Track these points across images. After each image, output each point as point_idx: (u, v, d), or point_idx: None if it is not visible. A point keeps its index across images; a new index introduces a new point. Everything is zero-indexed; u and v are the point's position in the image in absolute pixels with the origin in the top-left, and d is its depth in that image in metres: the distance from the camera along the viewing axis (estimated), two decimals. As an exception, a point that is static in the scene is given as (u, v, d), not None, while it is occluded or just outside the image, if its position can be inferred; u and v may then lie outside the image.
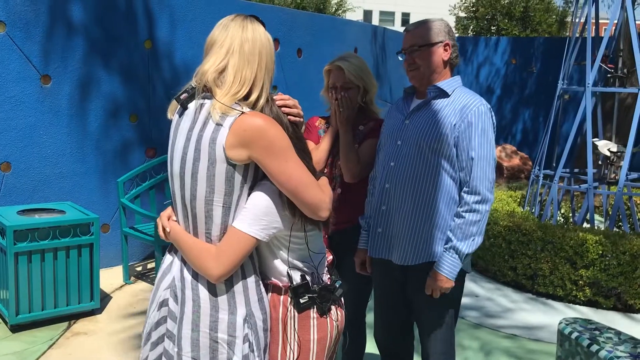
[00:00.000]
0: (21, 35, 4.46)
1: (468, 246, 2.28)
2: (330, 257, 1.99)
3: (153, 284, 4.41)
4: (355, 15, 41.62)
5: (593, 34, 5.52)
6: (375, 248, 2.51)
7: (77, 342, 3.77)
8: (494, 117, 2.39)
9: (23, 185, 4.58)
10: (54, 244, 3.91)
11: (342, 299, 1.96)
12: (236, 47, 1.78)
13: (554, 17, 20.44)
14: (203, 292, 1.73)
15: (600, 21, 6.03)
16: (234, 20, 1.83)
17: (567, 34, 19.37)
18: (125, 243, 4.85)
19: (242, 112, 1.70)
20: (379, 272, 2.55)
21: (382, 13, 51.53)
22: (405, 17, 51.88)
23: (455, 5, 22.98)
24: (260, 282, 1.83)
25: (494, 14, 20.11)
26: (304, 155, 1.83)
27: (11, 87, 4.46)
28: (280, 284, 1.83)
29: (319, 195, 1.77)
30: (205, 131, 1.71)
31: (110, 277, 4.91)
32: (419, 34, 2.40)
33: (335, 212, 2.64)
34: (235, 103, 1.72)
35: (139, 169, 4.96)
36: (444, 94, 2.38)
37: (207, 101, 1.76)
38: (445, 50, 2.40)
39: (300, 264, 1.84)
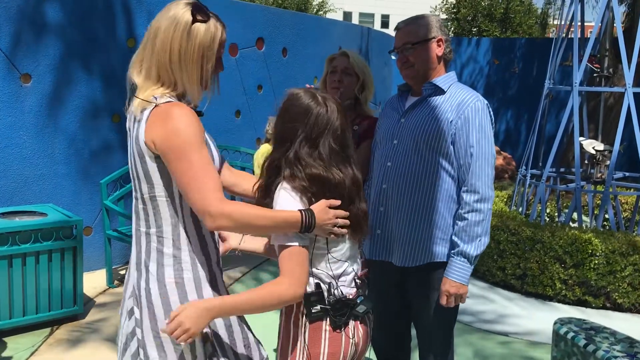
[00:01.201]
0: (0, 33, 4.33)
1: (475, 248, 2.23)
2: (363, 270, 1.87)
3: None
4: (335, 17, 41.61)
5: (579, 35, 5.54)
6: (374, 250, 2.45)
7: (60, 349, 3.65)
8: (491, 114, 2.34)
9: (2, 188, 4.45)
10: (36, 247, 3.79)
11: (369, 316, 1.84)
12: (152, 35, 1.68)
13: (533, 19, 20.63)
14: (155, 298, 1.68)
15: (585, 24, 6.06)
16: (168, 5, 1.71)
17: (547, 35, 19.57)
18: (108, 246, 4.73)
19: (156, 105, 1.63)
20: (377, 275, 2.49)
21: (361, 15, 51.58)
22: (385, 18, 51.99)
23: (436, 7, 23.09)
24: (218, 275, 1.75)
25: (475, 14, 20.24)
26: (346, 164, 1.76)
27: (-10, 86, 4.32)
28: None
29: (205, 203, 1.58)
30: (134, 129, 1.67)
31: (93, 281, 4.79)
32: (411, 31, 2.35)
33: None
34: (154, 96, 1.65)
35: (123, 170, 4.84)
36: (439, 91, 2.34)
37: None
38: (439, 45, 2.36)
39: (318, 271, 1.74)
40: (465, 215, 2.23)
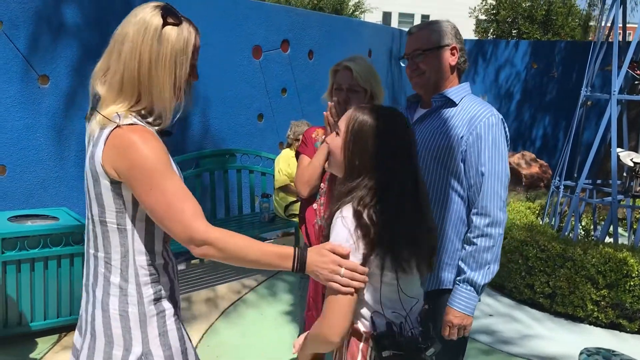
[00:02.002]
0: (19, 34, 4.29)
1: (483, 276, 2.04)
2: (424, 306, 1.72)
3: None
4: (374, 17, 41.33)
5: (620, 39, 5.22)
6: None
7: (67, 357, 3.58)
8: (506, 129, 2.14)
9: (18, 190, 4.41)
10: (45, 252, 3.72)
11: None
12: (118, 42, 1.53)
13: (576, 20, 19.98)
14: (98, 326, 1.57)
15: (627, 25, 5.72)
16: (134, 10, 1.57)
17: (590, 38, 18.94)
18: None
19: (118, 125, 1.48)
20: None
21: (401, 15, 51.13)
22: (425, 18, 51.44)
23: (475, 8, 22.61)
24: (170, 311, 1.61)
25: (515, 16, 19.71)
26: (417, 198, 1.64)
27: (7, 87, 4.29)
28: (362, 329, 1.58)
29: (187, 232, 1.46)
30: (91, 145, 1.54)
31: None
32: (423, 37, 2.19)
33: None
34: (116, 114, 1.50)
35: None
36: (451, 103, 2.15)
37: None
38: (452, 54, 2.19)
39: (387, 309, 1.58)
40: (474, 240, 2.04)
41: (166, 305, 1.62)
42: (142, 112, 1.55)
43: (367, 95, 2.52)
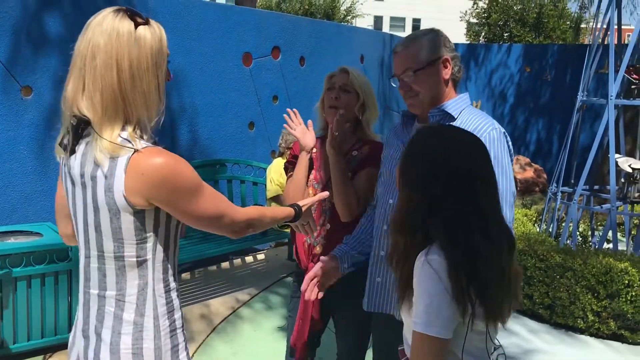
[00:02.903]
0: (0, 44, 4.16)
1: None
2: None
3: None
4: (366, 22, 41.35)
5: (615, 42, 5.14)
6: (375, 301, 2.13)
7: (51, 380, 3.44)
8: (509, 142, 2.01)
9: (1, 205, 4.27)
10: (28, 271, 3.58)
11: None
12: (88, 58, 1.42)
13: (567, 23, 20.01)
14: None
15: (622, 27, 5.65)
16: (95, 19, 1.45)
17: (582, 40, 18.95)
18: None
19: (135, 150, 1.40)
20: (380, 329, 2.17)
21: (392, 19, 51.23)
22: (417, 22, 51.53)
23: (466, 12, 22.62)
24: (182, 344, 1.57)
25: (506, 20, 19.72)
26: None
27: (-12, 100, 4.15)
28: None
29: (234, 221, 1.59)
30: (98, 178, 1.42)
31: (95, 303, 4.58)
32: (411, 55, 2.02)
33: (324, 254, 2.30)
34: (122, 138, 1.41)
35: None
36: (449, 117, 2.00)
37: (90, 139, 1.44)
38: (445, 66, 2.03)
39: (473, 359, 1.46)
40: None
41: (180, 338, 1.57)
42: (136, 130, 1.45)
43: (359, 101, 2.41)
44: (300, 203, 1.97)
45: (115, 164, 1.40)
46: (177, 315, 1.56)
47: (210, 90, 5.53)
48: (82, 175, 1.46)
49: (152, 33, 1.45)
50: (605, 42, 5.50)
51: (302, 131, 2.50)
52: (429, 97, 2.02)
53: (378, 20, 50.41)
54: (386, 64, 8.60)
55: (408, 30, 50.36)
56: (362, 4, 24.83)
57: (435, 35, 2.06)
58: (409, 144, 1.56)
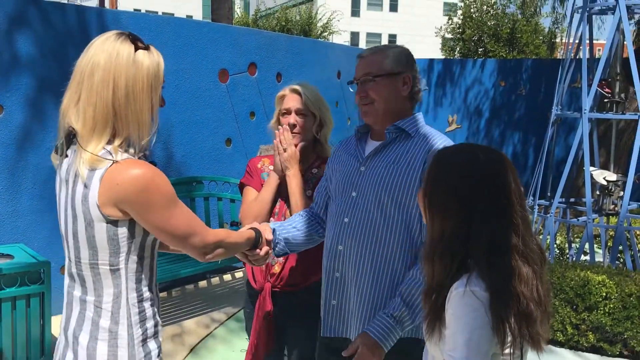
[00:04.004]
0: (-32, 62, 4.08)
1: (412, 317, 1.83)
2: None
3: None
4: (342, 38, 41.67)
5: (588, 56, 5.23)
6: (330, 325, 2.05)
7: (22, 407, 3.33)
8: None
9: (-30, 226, 4.16)
10: (-2, 294, 3.48)
11: None
12: (87, 74, 1.50)
13: (541, 38, 20.36)
14: None
15: (594, 42, 5.75)
16: (98, 40, 1.55)
17: (555, 55, 19.30)
18: (84, 287, 4.41)
19: (114, 161, 1.46)
20: (327, 356, 2.09)
21: (369, 34, 51.74)
22: (392, 38, 52.11)
23: (441, 27, 22.91)
24: (156, 352, 1.64)
25: (480, 35, 20.00)
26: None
27: (-43, 119, 4.06)
28: None
29: (204, 242, 1.62)
30: (77, 186, 1.49)
31: (68, 325, 4.46)
32: (375, 62, 2.01)
33: (283, 272, 2.27)
34: (105, 150, 1.48)
35: (101, 206, 4.55)
36: (405, 135, 1.98)
37: (75, 147, 1.51)
38: (405, 83, 2.01)
39: None
40: (419, 274, 1.82)
41: (152, 346, 1.62)
42: (122, 145, 1.51)
43: (317, 121, 2.39)
44: (260, 228, 1.96)
45: (93, 174, 1.46)
46: (150, 324, 1.60)
47: (186, 107, 5.48)
48: (66, 180, 1.55)
49: (150, 58, 1.53)
50: (578, 57, 5.60)
51: (291, 153, 2.31)
52: (384, 108, 2.00)
53: (355, 36, 50.86)
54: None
55: (384, 46, 50.81)
56: (338, 20, 25.01)
57: (402, 51, 2.06)
58: (436, 167, 1.49)
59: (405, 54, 2.05)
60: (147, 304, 1.60)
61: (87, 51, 1.53)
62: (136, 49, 1.52)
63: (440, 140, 1.96)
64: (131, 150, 1.52)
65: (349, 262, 1.99)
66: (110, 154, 1.47)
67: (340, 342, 2.02)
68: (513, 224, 1.39)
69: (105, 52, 1.49)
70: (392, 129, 1.99)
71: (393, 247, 1.93)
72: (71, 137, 1.51)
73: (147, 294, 1.59)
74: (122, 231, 1.50)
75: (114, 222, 1.48)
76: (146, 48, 1.54)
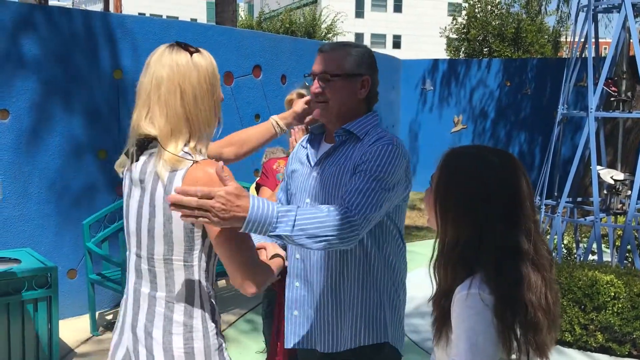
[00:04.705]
0: (-25, 67, 4.10)
1: (285, 229, 1.58)
2: None
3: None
4: (347, 39, 41.57)
5: (593, 55, 5.21)
6: (293, 335, 2.02)
7: (31, 411, 3.33)
8: (404, 154, 1.88)
9: (-22, 231, 4.18)
10: (5, 299, 3.49)
11: None
12: (153, 87, 1.58)
13: (546, 37, 20.30)
14: None
15: (599, 40, 5.72)
16: (153, 57, 1.63)
17: (560, 54, 19.24)
18: (92, 291, 4.43)
19: (195, 162, 1.55)
20: None
21: (373, 35, 51.70)
22: (397, 39, 52.07)
23: (446, 27, 22.89)
24: (223, 345, 1.68)
25: (485, 35, 19.97)
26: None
27: (-36, 124, 4.08)
28: None
29: (254, 266, 1.57)
30: (158, 185, 1.57)
31: (76, 328, 4.47)
32: (334, 59, 1.92)
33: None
34: (184, 152, 1.57)
35: (107, 210, 4.56)
36: (354, 138, 1.91)
37: (154, 151, 1.59)
38: (363, 86, 1.93)
39: None
40: (325, 208, 1.67)
41: (222, 339, 1.67)
42: (197, 146, 1.60)
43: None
44: (277, 251, 1.81)
45: (175, 175, 1.54)
46: (218, 318, 1.67)
47: (191, 110, 5.49)
48: (141, 181, 1.61)
49: (205, 59, 1.62)
50: (584, 56, 5.57)
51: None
52: (337, 108, 1.92)
53: (359, 37, 50.83)
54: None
55: (389, 47, 50.81)
56: (342, 21, 25.01)
57: (364, 52, 1.97)
58: (447, 172, 1.45)
59: (368, 55, 1.97)
60: (214, 300, 1.66)
61: (147, 69, 1.60)
62: (191, 54, 1.60)
63: (382, 138, 1.87)
64: (203, 150, 1.62)
65: (308, 271, 1.95)
66: (189, 154, 1.56)
67: (308, 353, 1.99)
68: (525, 229, 1.37)
69: (165, 65, 1.57)
70: (341, 132, 1.93)
71: (350, 253, 1.88)
72: (145, 144, 1.61)
73: (212, 292, 1.65)
74: (198, 229, 1.57)
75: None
76: (197, 51, 1.63)
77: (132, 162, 1.64)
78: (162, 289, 1.60)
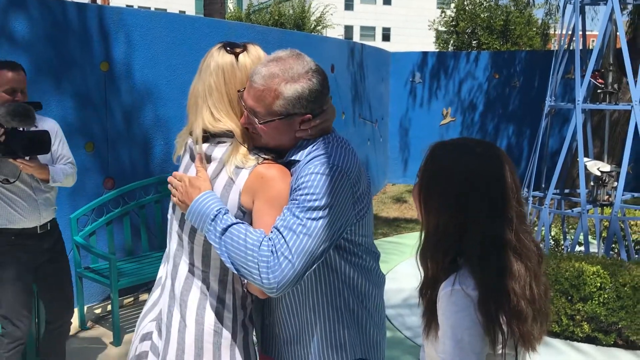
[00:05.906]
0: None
1: (218, 242, 1.56)
2: None
3: (112, 330, 3.99)
4: (336, 32, 41.51)
5: (580, 47, 5.23)
6: (265, 343, 1.90)
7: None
8: (346, 174, 1.62)
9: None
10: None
11: None
12: (207, 95, 1.68)
13: (534, 29, 20.37)
14: (189, 338, 1.67)
15: (587, 33, 5.75)
16: (204, 63, 1.72)
17: (549, 46, 19.31)
18: (80, 285, 4.41)
19: (265, 159, 1.65)
20: None
21: (362, 28, 51.65)
22: (386, 31, 52.05)
23: (435, 20, 22.91)
24: (252, 341, 1.75)
25: (474, 28, 20.00)
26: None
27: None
28: None
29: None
30: (221, 175, 1.65)
31: (64, 323, 4.45)
32: (264, 97, 1.60)
33: None
34: (253, 153, 1.66)
35: (95, 203, 4.54)
36: (295, 163, 1.68)
37: (222, 145, 1.67)
38: (304, 122, 1.64)
39: None
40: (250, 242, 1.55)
41: (249, 326, 1.75)
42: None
43: None
44: None
45: (240, 171, 1.63)
46: (249, 305, 1.75)
47: (179, 103, 5.46)
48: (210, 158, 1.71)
49: (250, 57, 1.68)
50: (571, 48, 5.60)
51: None
52: (273, 144, 1.70)
53: (348, 29, 50.76)
54: (357, 73, 8.63)
55: (378, 40, 50.79)
56: (332, 14, 24.94)
57: (309, 84, 1.62)
58: (431, 161, 1.44)
59: (312, 87, 1.62)
60: (246, 289, 1.72)
61: (199, 75, 1.70)
62: (236, 55, 1.66)
63: (321, 161, 1.61)
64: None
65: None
66: (259, 155, 1.66)
67: None
68: (507, 219, 1.36)
69: (212, 73, 1.66)
70: (285, 163, 1.71)
71: (308, 281, 1.72)
72: (207, 138, 1.69)
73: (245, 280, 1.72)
74: (245, 220, 1.65)
75: (242, 211, 1.64)
76: (244, 50, 1.68)
77: (191, 144, 1.73)
78: (199, 264, 1.69)
